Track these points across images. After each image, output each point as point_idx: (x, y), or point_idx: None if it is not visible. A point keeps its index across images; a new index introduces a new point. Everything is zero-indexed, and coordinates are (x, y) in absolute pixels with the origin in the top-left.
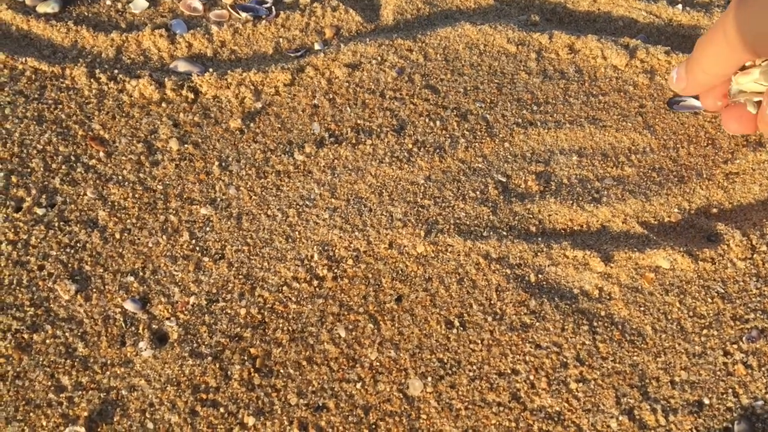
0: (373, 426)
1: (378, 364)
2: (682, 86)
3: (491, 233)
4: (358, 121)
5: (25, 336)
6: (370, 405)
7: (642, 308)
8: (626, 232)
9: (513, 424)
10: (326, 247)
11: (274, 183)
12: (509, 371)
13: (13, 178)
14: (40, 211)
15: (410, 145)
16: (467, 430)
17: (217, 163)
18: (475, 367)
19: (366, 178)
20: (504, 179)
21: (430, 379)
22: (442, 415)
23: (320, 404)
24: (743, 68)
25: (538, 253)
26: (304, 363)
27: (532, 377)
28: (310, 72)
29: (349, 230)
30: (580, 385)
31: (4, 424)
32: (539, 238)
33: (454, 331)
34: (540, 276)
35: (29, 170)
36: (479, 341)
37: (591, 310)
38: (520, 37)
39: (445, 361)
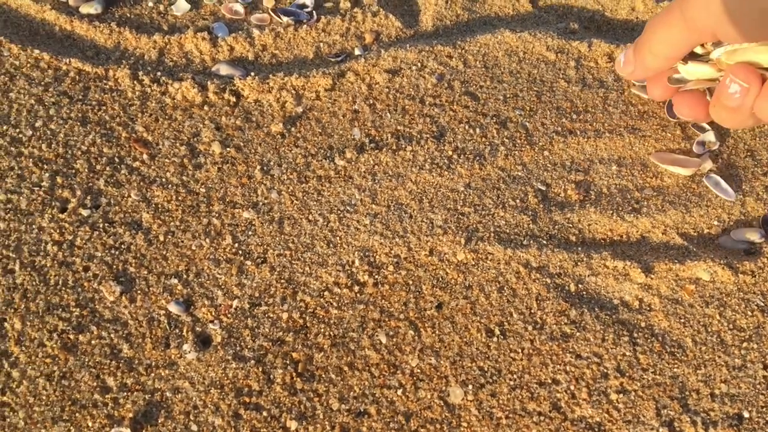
0: None
1: (419, 371)
2: (629, 70)
3: (531, 242)
4: (398, 127)
5: (71, 336)
6: (411, 412)
7: (682, 320)
8: (666, 243)
9: None
10: (367, 253)
11: (315, 188)
12: (550, 381)
13: (59, 179)
14: (85, 212)
15: (450, 152)
16: None
17: (258, 167)
18: (515, 376)
19: (406, 185)
20: (543, 188)
21: (470, 387)
22: (483, 423)
23: (362, 410)
24: (691, 54)
25: (578, 263)
26: (346, 368)
27: (572, 387)
28: (350, 77)
29: (390, 236)
30: (621, 396)
31: (50, 424)
32: (579, 248)
33: (495, 339)
34: (580, 286)
35: (74, 171)
36: (520, 350)
37: (631, 321)
38: (559, 44)
39: (486, 369)
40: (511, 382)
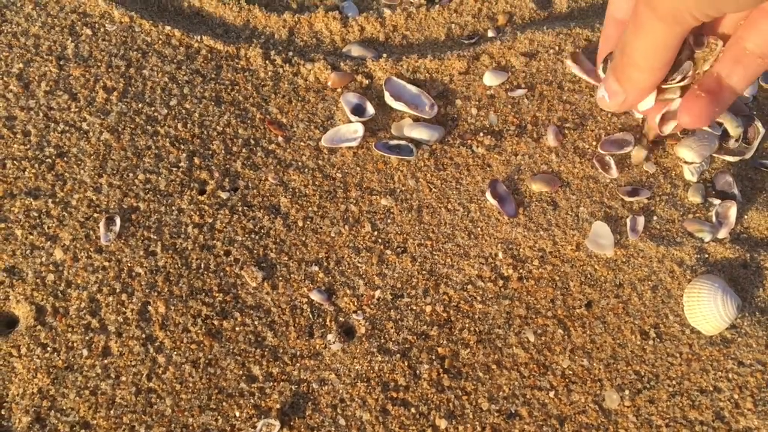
0: None
1: (570, 372)
2: (619, 100)
3: (685, 239)
4: (537, 114)
5: (215, 323)
6: (564, 415)
7: None
8: None
9: None
10: (510, 246)
11: (454, 176)
12: (711, 388)
13: (196, 160)
14: (223, 195)
15: (593, 141)
16: None
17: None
18: (674, 382)
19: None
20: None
21: (627, 392)
22: (642, 431)
23: (513, 411)
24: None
25: (738, 262)
26: (494, 366)
27: (736, 396)
28: (485, 60)
29: (534, 229)
30: None
31: (198, 413)
32: (739, 245)
33: (650, 342)
34: (739, 287)
35: (210, 152)
36: (678, 354)
37: None
38: None
39: (642, 374)
40: (670, 389)
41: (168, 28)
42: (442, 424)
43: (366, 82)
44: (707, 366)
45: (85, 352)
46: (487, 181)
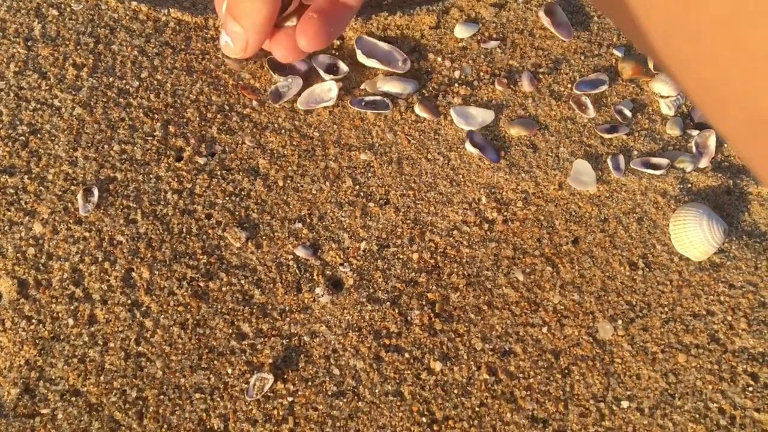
0: (566, 370)
1: (562, 307)
2: (242, 42)
3: (667, 170)
4: (510, 62)
5: (201, 284)
6: (559, 349)
7: None
8: None
9: (715, 367)
10: (493, 190)
11: (432, 127)
12: (704, 312)
13: (171, 128)
14: (201, 160)
15: (569, 84)
16: (667, 374)
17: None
18: (666, 309)
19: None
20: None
21: (620, 322)
22: (638, 358)
23: (507, 349)
24: None
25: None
26: (485, 307)
27: (729, 318)
28: (455, 13)
29: (515, 172)
30: None
31: (189, 373)
32: (721, 173)
33: (639, 272)
34: (725, 212)
35: (185, 120)
36: (668, 282)
37: None
38: None
39: (634, 303)
40: (663, 315)
41: (135, 3)
42: (437, 366)
43: (337, 43)
44: (698, 291)
45: (70, 322)
46: (465, 131)
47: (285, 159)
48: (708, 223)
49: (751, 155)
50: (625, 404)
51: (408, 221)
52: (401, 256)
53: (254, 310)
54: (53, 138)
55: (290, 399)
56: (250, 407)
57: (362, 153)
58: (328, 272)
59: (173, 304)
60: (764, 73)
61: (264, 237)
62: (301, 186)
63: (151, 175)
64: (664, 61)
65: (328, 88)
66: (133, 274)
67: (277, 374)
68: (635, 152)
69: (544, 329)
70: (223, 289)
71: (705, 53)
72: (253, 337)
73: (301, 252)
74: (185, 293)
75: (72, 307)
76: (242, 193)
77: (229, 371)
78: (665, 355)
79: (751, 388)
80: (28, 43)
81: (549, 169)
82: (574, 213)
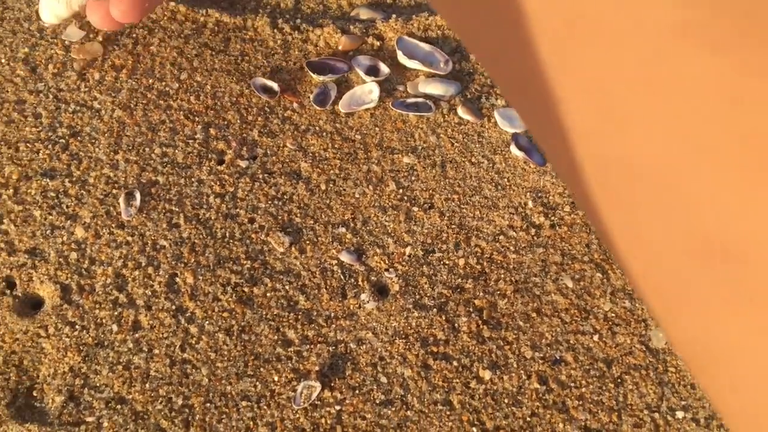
0: (619, 380)
1: (613, 315)
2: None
3: None
4: None
5: (245, 290)
6: (611, 358)
7: None
8: None
9: None
10: (539, 194)
11: (475, 129)
12: None
13: (212, 131)
14: (243, 164)
15: None
16: None
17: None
18: None
19: None
20: None
21: None
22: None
23: (557, 357)
24: None
25: None
26: (534, 315)
27: None
28: None
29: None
30: None
31: (235, 380)
32: None
33: None
34: None
35: (226, 123)
36: None
37: None
38: None
39: None
40: None
41: (173, 3)
42: (486, 374)
43: (377, 44)
44: None
45: (114, 328)
46: (510, 133)
47: (327, 162)
48: None
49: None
50: (680, 414)
51: (453, 226)
52: (447, 262)
53: (299, 317)
54: (93, 141)
55: (338, 407)
56: (298, 416)
57: (405, 156)
58: (373, 278)
59: (218, 310)
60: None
61: (307, 242)
62: (344, 190)
63: (192, 179)
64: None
65: (369, 90)
66: (177, 279)
67: (324, 382)
68: None
69: (595, 337)
70: (268, 294)
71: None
72: (299, 344)
73: (345, 257)
74: (230, 299)
75: (116, 313)
76: (285, 197)
77: (276, 378)
78: None
79: None
80: (66, 44)
81: None
82: None
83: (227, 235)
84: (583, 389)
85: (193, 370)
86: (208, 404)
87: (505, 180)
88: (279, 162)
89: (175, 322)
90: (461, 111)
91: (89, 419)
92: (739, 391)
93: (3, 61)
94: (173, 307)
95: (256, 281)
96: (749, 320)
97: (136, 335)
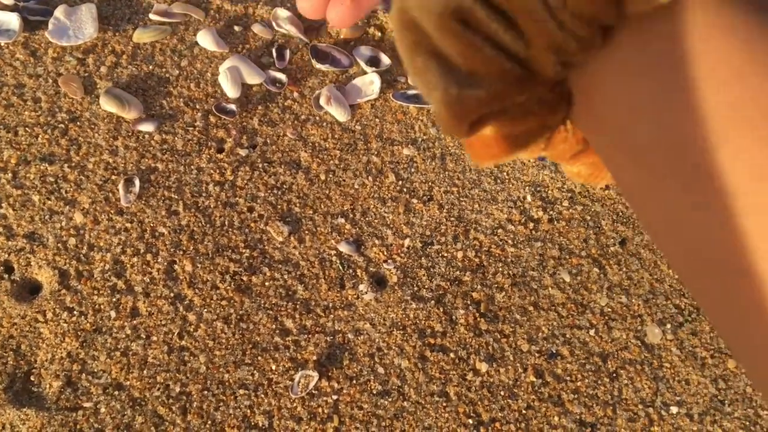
0: (614, 374)
1: (609, 310)
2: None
3: None
4: None
5: (244, 278)
6: (607, 352)
7: None
8: None
9: None
10: (538, 188)
11: None
12: None
13: (211, 118)
14: (242, 152)
15: None
16: (716, 379)
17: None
18: None
19: None
20: None
21: (668, 326)
22: (687, 363)
23: (554, 351)
24: None
25: None
26: (531, 308)
27: None
28: None
29: (561, 170)
30: None
31: (233, 368)
32: None
33: None
34: None
35: (226, 111)
36: None
37: None
38: None
39: (683, 307)
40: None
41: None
42: (483, 367)
43: (378, 34)
44: None
45: (113, 314)
46: None
47: (327, 152)
48: None
49: None
50: (674, 410)
51: (452, 218)
52: (445, 254)
53: (297, 306)
54: (93, 126)
55: (335, 397)
56: (295, 405)
57: (405, 148)
58: (371, 269)
59: (216, 298)
60: None
61: (306, 231)
62: (344, 180)
63: (192, 167)
64: None
65: (370, 81)
66: (176, 266)
67: (322, 372)
68: None
69: (592, 332)
70: (266, 283)
71: None
72: (297, 334)
73: (344, 248)
74: (228, 287)
75: (114, 299)
76: (284, 186)
77: (273, 367)
78: (715, 360)
79: None
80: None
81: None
82: (621, 213)
83: (226, 223)
84: (579, 383)
85: (191, 358)
86: (206, 392)
87: (505, 173)
88: (279, 151)
89: (173, 309)
90: None
91: (87, 405)
92: None
93: (2, 44)
94: (172, 295)
95: (254, 270)
96: None
97: (134, 322)
